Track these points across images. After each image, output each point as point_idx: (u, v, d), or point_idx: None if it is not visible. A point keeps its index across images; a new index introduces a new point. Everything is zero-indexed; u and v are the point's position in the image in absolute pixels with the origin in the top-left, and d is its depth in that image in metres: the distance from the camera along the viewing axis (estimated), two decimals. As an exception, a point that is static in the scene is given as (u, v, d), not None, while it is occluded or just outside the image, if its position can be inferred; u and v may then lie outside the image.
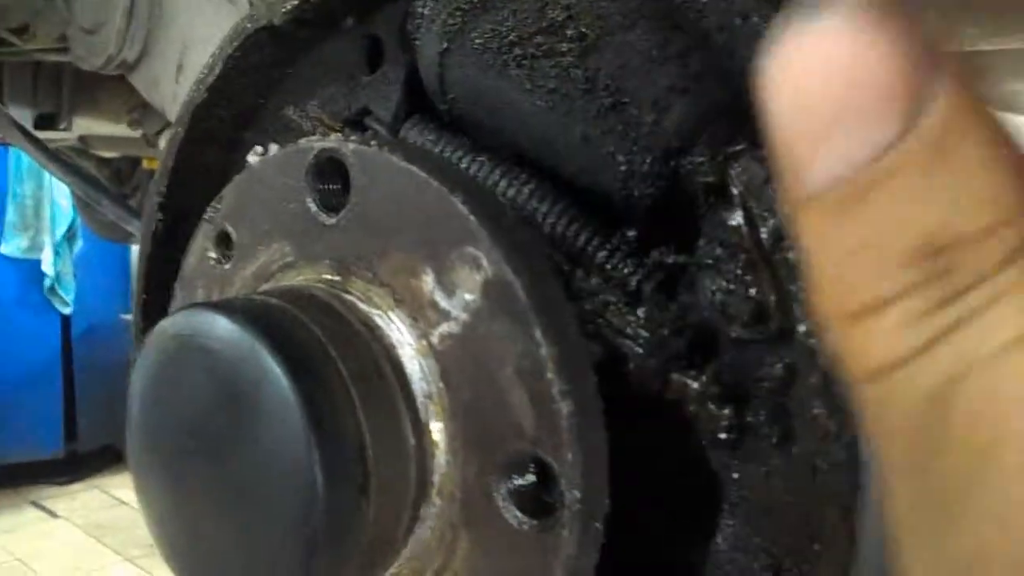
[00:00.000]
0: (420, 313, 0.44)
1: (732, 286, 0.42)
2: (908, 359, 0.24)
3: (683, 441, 0.45)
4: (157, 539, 0.46)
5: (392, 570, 0.47)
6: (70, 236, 5.67)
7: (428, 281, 0.44)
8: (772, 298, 0.40)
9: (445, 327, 0.44)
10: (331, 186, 0.48)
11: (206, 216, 0.54)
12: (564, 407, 0.40)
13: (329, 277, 0.48)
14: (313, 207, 0.48)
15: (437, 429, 0.44)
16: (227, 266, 0.53)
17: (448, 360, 0.44)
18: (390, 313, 0.45)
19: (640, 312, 0.44)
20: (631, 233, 0.47)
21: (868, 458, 0.38)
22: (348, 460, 0.41)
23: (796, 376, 0.41)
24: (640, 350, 0.44)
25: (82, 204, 4.12)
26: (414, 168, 0.44)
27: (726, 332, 0.43)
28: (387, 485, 0.43)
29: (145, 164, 3.63)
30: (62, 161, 1.70)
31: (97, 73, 1.86)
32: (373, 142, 0.46)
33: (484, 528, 0.44)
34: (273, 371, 0.40)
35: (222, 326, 0.42)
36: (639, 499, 0.47)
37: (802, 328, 0.39)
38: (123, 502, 5.70)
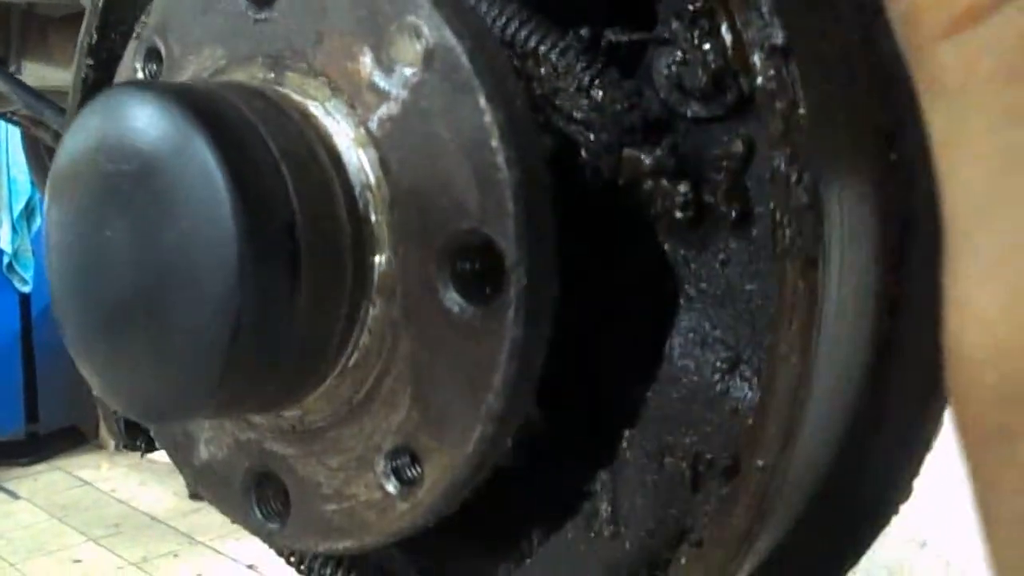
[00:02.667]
0: (357, 98, 0.42)
1: (689, 56, 0.40)
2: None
3: (638, 231, 0.42)
4: (71, 337, 0.43)
5: (331, 382, 0.44)
6: (28, 212, 5.54)
7: (366, 62, 0.41)
8: (731, 61, 0.38)
9: (384, 109, 0.41)
10: None
11: (134, 34, 0.51)
12: (510, 176, 0.38)
13: (262, 75, 0.45)
14: (243, 2, 0.45)
15: (376, 221, 0.42)
16: None
17: (387, 147, 0.41)
18: (326, 103, 0.43)
19: (593, 94, 0.42)
20: (583, 31, 0.45)
21: (828, 205, 0.36)
22: (276, 234, 0.38)
23: (754, 152, 0.39)
24: (592, 136, 0.42)
25: (40, 177, 4.03)
26: None
27: (682, 112, 0.41)
28: (320, 271, 0.40)
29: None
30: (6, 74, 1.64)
31: (47, 15, 1.80)
32: None
33: (427, 322, 0.41)
34: (194, 138, 0.37)
35: (145, 99, 0.39)
36: (593, 302, 0.45)
37: (759, 81, 0.36)
38: (87, 482, 5.60)
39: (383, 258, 0.42)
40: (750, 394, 0.40)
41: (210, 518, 5.12)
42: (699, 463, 0.42)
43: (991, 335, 0.23)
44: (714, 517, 0.40)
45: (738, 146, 0.39)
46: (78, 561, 4.60)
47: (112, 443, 6.08)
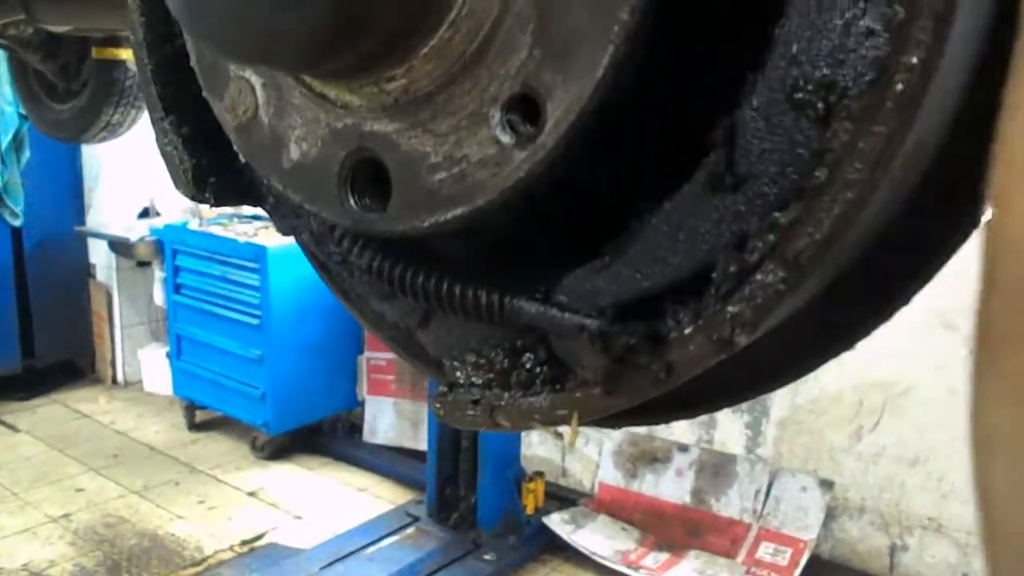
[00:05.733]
0: None
1: None
2: None
3: None
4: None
5: (442, 34, 0.43)
6: (17, 144, 5.46)
7: None
8: None
9: None
10: None
11: None
12: None
13: None
14: None
15: None
16: None
17: None
18: None
19: None
20: None
21: None
22: None
23: None
24: None
25: (29, 105, 3.95)
26: None
27: None
28: None
29: (94, 54, 3.48)
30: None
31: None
32: None
33: None
34: None
35: None
36: None
37: None
38: (85, 415, 5.63)
39: None
40: (888, 9, 0.39)
41: (209, 448, 5.17)
42: (831, 93, 0.41)
43: None
44: (846, 147, 0.39)
45: None
46: (81, 490, 4.66)
47: (109, 377, 6.11)
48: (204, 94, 0.62)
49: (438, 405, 0.55)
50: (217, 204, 0.66)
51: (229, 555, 4.06)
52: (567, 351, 0.52)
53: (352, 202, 0.50)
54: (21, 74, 3.87)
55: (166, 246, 5.21)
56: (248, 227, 4.98)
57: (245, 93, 0.57)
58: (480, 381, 0.55)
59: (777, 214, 0.42)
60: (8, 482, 4.70)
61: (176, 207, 5.58)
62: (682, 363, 0.46)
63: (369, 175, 0.49)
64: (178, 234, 5.15)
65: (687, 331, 0.46)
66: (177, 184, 0.67)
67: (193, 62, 0.63)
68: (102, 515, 4.39)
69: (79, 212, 5.97)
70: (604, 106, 0.42)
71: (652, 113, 0.47)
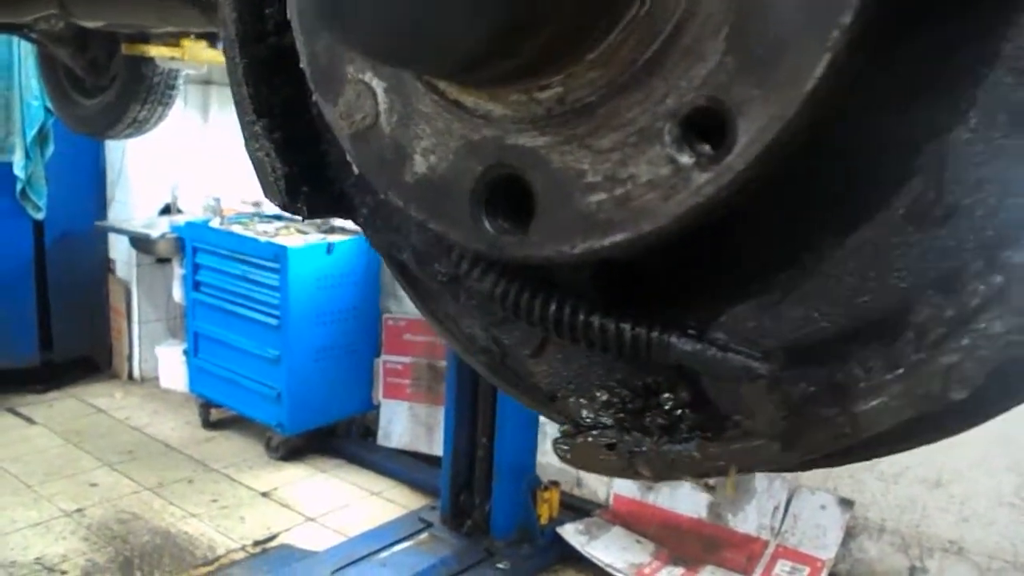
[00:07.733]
0: None
1: None
2: None
3: None
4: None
5: (613, 39, 0.39)
6: (41, 138, 5.48)
7: None
8: None
9: None
10: None
11: None
12: None
13: None
14: None
15: None
16: None
17: None
18: None
19: None
20: None
21: None
22: None
23: None
24: None
25: (55, 98, 3.96)
26: None
27: None
28: None
29: (123, 50, 3.49)
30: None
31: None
32: None
33: None
34: None
35: None
36: None
37: None
38: (101, 410, 5.64)
39: None
40: None
41: (224, 447, 5.16)
42: None
43: None
44: None
45: None
46: (94, 485, 4.65)
47: (126, 372, 6.12)
48: (315, 98, 0.56)
49: (565, 447, 0.51)
50: (310, 215, 0.62)
51: (241, 555, 4.05)
52: (721, 394, 0.47)
53: (487, 223, 0.45)
54: (49, 69, 3.88)
55: (187, 243, 5.21)
56: (269, 227, 4.98)
57: (364, 98, 0.51)
58: (609, 421, 0.50)
59: (1009, 252, 0.37)
60: (23, 474, 4.70)
61: (197, 204, 5.59)
62: (871, 416, 0.41)
63: (509, 194, 0.45)
64: (199, 232, 5.16)
65: (883, 380, 0.41)
66: (267, 193, 0.63)
67: (304, 63, 0.57)
68: (115, 511, 4.39)
69: (101, 207, 5.98)
70: (813, 120, 0.37)
71: (843, 132, 0.43)
